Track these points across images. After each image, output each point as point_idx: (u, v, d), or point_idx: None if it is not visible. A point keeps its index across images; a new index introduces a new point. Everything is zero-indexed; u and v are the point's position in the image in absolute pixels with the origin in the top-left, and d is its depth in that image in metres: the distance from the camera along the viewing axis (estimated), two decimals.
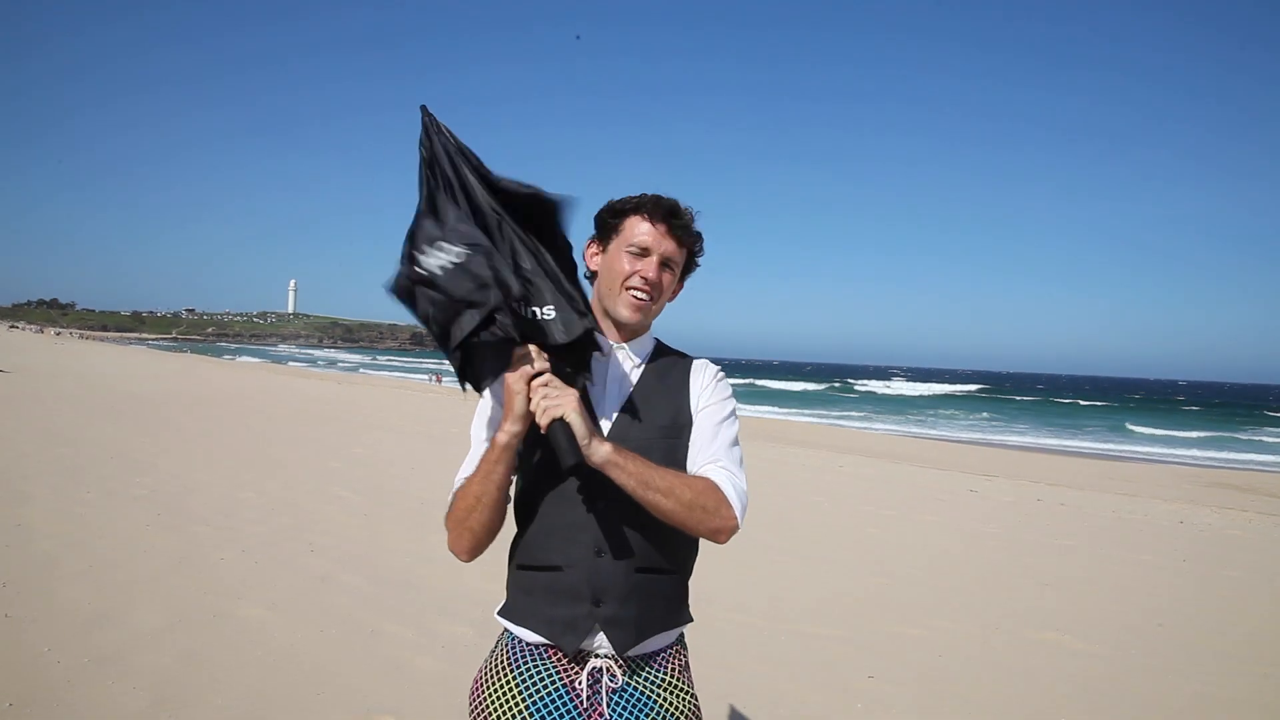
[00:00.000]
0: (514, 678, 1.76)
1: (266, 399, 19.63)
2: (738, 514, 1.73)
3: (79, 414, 13.74)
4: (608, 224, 1.85)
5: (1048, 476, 17.14)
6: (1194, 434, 38.62)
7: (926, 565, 7.70)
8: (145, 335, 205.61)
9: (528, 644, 1.79)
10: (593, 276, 1.90)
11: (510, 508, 1.80)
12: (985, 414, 46.56)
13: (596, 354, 1.78)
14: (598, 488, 1.72)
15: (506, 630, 1.84)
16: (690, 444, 1.82)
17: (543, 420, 1.63)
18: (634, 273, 1.80)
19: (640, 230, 1.81)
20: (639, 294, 1.80)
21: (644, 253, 1.80)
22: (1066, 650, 5.49)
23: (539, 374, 1.66)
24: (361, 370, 68.24)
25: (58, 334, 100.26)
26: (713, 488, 1.72)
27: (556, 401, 1.62)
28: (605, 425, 1.79)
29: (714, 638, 4.97)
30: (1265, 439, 37.20)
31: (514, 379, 1.65)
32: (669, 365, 1.89)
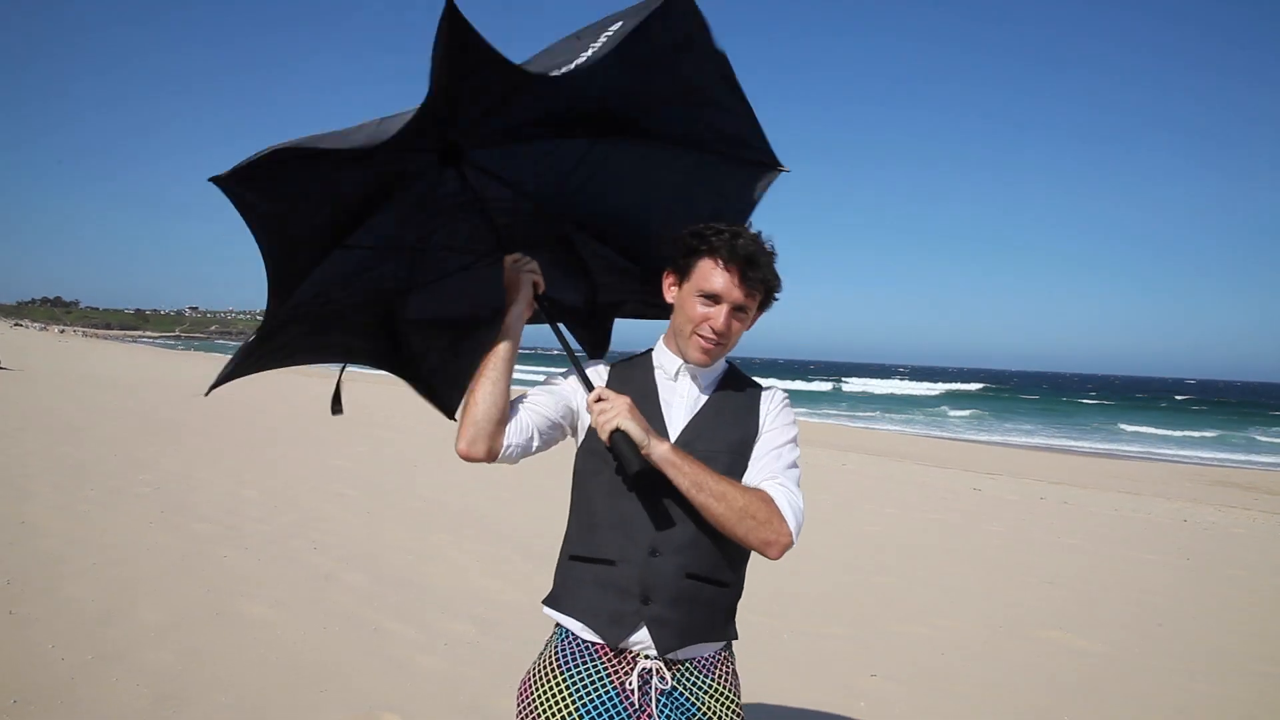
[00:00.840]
0: (565, 678, 1.77)
1: (269, 397, 19.65)
2: (792, 529, 1.74)
3: (82, 412, 13.76)
4: (681, 256, 1.84)
5: (1051, 475, 17.12)
6: (1198, 433, 38.56)
7: (929, 563, 7.70)
8: (148, 333, 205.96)
9: (580, 642, 1.80)
10: (668, 307, 1.92)
11: (569, 499, 1.88)
12: (988, 412, 46.52)
13: (665, 374, 1.89)
14: (660, 488, 1.74)
15: (557, 627, 1.87)
16: (754, 459, 1.84)
17: (604, 434, 1.70)
18: (704, 320, 1.79)
19: (713, 277, 1.78)
20: (706, 341, 1.81)
21: (715, 300, 1.78)
22: (1069, 648, 5.49)
23: (593, 392, 1.77)
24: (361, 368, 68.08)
25: (61, 332, 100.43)
26: (766, 499, 1.74)
27: (612, 414, 1.69)
28: (672, 434, 1.82)
29: None
30: (1267, 439, 37.11)
31: (511, 268, 1.89)
32: (738, 389, 1.91)
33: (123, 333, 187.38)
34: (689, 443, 1.80)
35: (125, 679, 3.87)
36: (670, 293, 1.89)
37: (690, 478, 1.69)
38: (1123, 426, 40.90)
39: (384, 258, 2.13)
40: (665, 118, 2.03)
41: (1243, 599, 7.20)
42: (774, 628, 5.40)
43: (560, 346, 1.96)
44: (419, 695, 4.00)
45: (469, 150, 1.99)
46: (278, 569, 5.79)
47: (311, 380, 26.01)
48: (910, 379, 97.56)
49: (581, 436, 1.89)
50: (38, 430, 11.12)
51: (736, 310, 1.80)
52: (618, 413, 1.69)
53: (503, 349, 1.84)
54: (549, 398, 1.88)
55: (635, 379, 1.90)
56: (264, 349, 1.99)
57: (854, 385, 78.31)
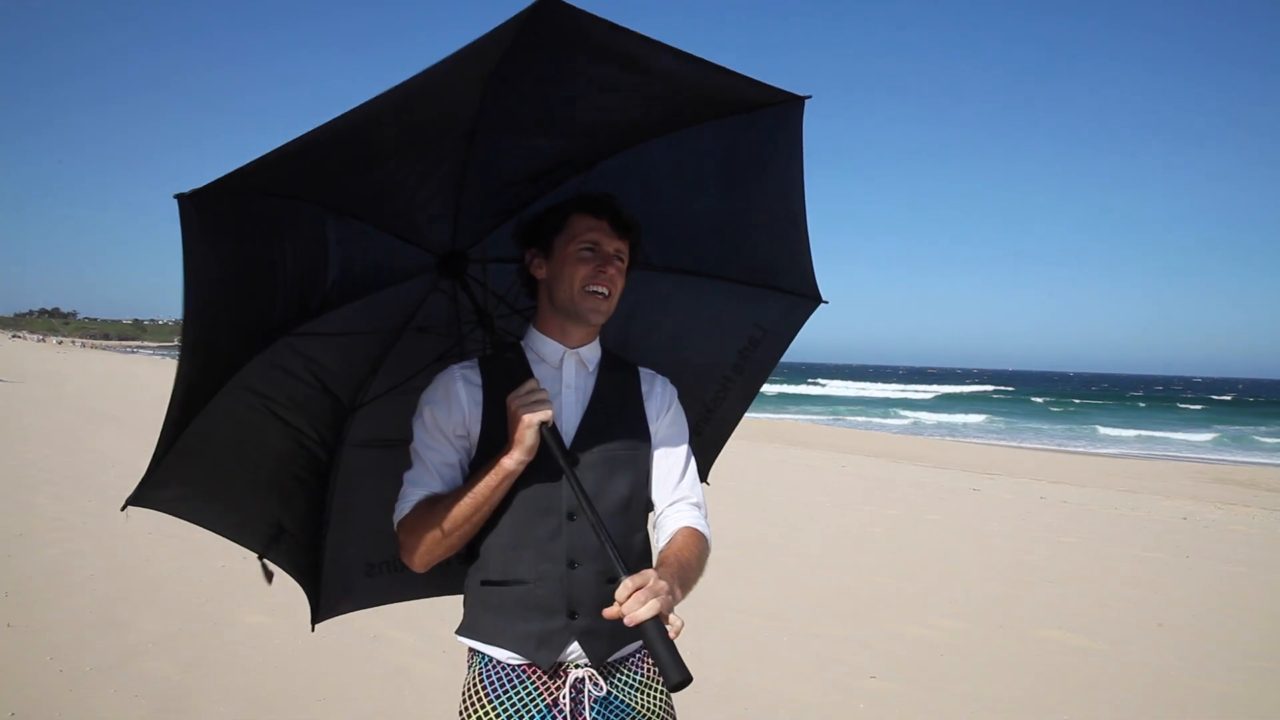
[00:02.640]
0: (494, 707, 1.69)
1: None
2: (711, 544, 1.79)
3: (80, 422, 13.75)
4: (547, 225, 1.77)
5: (1050, 474, 17.13)
6: (1197, 431, 38.57)
7: (928, 564, 7.70)
8: (147, 343, 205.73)
9: (503, 665, 1.72)
10: (532, 287, 1.83)
11: None
12: (987, 415, 46.52)
13: (547, 365, 1.78)
14: (569, 500, 1.69)
15: (474, 654, 1.77)
16: (656, 472, 1.83)
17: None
18: (595, 271, 1.73)
19: (588, 226, 1.74)
20: (600, 295, 1.74)
21: (595, 249, 1.74)
22: (1069, 647, 5.49)
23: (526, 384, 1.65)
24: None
25: (59, 343, 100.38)
26: (700, 539, 1.76)
27: (651, 605, 1.47)
28: (567, 438, 1.74)
29: (714, 638, 4.97)
30: (1266, 437, 37.11)
31: (528, 417, 1.60)
32: (619, 374, 1.86)
33: (121, 343, 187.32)
34: (586, 445, 1.73)
35: (124, 689, 3.86)
36: (540, 269, 1.78)
37: (684, 590, 1.63)
38: (1121, 425, 40.89)
39: (344, 352, 1.89)
40: (706, 230, 1.97)
41: (1243, 596, 7.20)
42: (773, 629, 5.40)
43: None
44: (419, 703, 4.00)
45: (471, 261, 1.88)
46: (276, 578, 5.77)
47: None
48: (904, 381, 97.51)
49: (474, 453, 1.76)
50: (36, 441, 11.12)
51: (615, 257, 1.76)
52: (657, 607, 1.48)
53: (492, 503, 1.67)
54: (442, 447, 1.75)
55: (514, 376, 1.73)
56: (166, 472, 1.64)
57: (850, 389, 78.31)
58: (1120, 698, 4.67)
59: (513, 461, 1.62)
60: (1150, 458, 26.08)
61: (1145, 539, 9.67)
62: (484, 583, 1.75)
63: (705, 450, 2.20)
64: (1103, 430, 38.19)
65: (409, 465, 1.78)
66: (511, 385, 1.68)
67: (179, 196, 1.28)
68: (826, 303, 2.09)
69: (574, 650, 1.70)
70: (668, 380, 1.91)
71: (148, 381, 27.93)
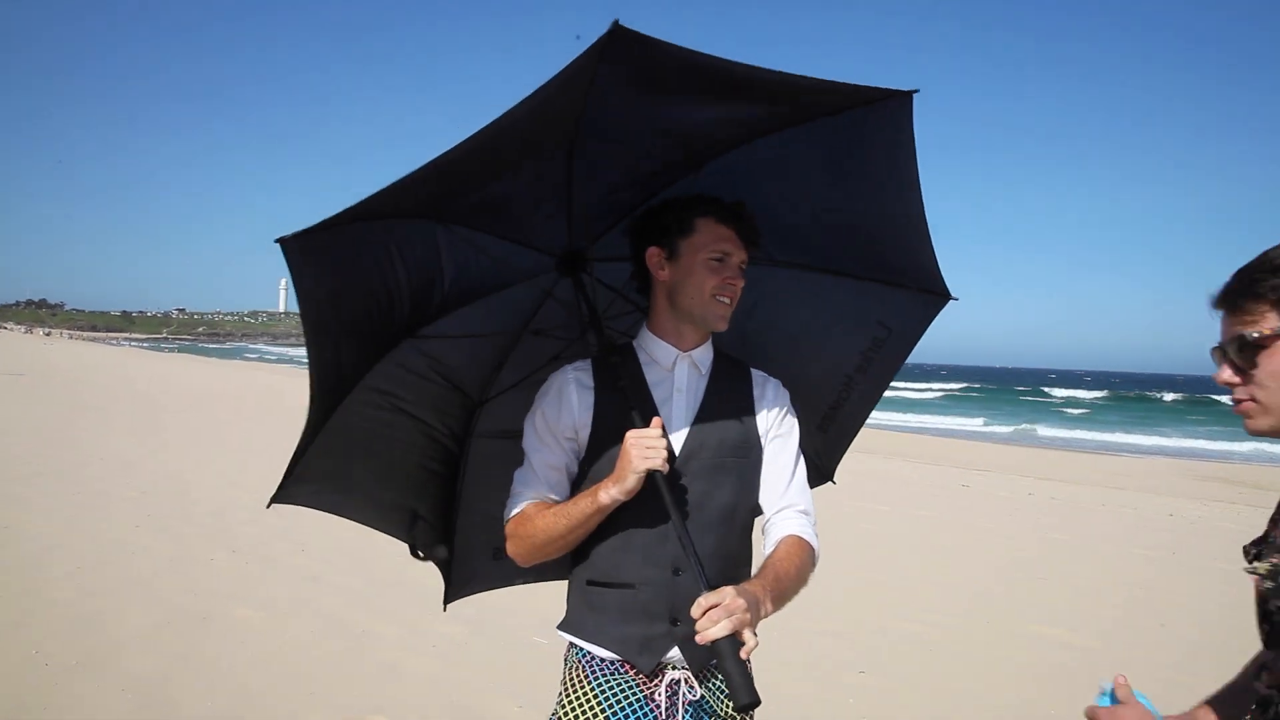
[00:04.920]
0: (594, 690, 1.72)
1: (261, 399, 19.55)
2: (818, 552, 1.80)
3: (69, 415, 13.66)
4: (672, 225, 1.75)
5: (1038, 471, 17.21)
6: (1184, 428, 38.83)
7: (917, 560, 7.73)
8: (135, 335, 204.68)
9: (600, 659, 1.75)
10: (645, 284, 1.83)
11: None
12: (975, 412, 46.69)
13: (659, 368, 1.78)
14: (676, 506, 1.68)
15: (574, 646, 1.80)
16: (765, 478, 1.82)
17: (704, 640, 1.53)
18: (723, 280, 1.72)
19: (719, 235, 1.73)
20: (727, 304, 1.74)
21: (725, 258, 1.73)
22: (1058, 643, 5.51)
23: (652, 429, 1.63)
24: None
25: (47, 334, 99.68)
26: (804, 548, 1.76)
27: (723, 625, 1.50)
28: (676, 443, 1.73)
29: None
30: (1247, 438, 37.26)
31: (639, 463, 1.60)
32: (731, 377, 1.84)
33: (109, 335, 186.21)
34: (694, 453, 1.73)
35: (110, 684, 3.84)
36: (663, 270, 1.77)
37: (779, 604, 1.67)
38: (1110, 422, 41.15)
39: (467, 351, 2.00)
40: (829, 231, 1.95)
41: (1230, 592, 7.25)
42: (763, 625, 5.38)
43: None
44: (408, 697, 3.98)
45: (590, 259, 1.91)
46: (266, 571, 5.76)
47: (303, 381, 25.92)
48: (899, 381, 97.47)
49: (583, 454, 1.80)
50: (23, 433, 11.04)
51: (740, 267, 1.76)
52: (734, 620, 1.51)
53: (587, 529, 1.70)
54: (550, 449, 1.80)
55: (623, 379, 1.77)
56: (319, 467, 1.84)
57: None
58: None
59: (608, 497, 1.64)
60: (1137, 454, 26.24)
61: (1132, 535, 9.74)
62: (589, 582, 1.78)
63: (829, 452, 2.20)
64: (1094, 426, 38.40)
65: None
66: (621, 389, 1.72)
67: (281, 241, 1.42)
68: (956, 299, 2.02)
69: (674, 654, 1.72)
70: (780, 384, 1.88)
71: (136, 374, 27.75)
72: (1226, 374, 1.33)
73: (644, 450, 1.59)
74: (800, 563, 1.73)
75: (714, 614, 1.49)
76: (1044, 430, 35.84)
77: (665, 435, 1.64)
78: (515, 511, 1.78)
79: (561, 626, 1.83)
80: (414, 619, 5.02)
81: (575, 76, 1.38)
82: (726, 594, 1.52)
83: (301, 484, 1.82)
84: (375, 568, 6.01)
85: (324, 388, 1.68)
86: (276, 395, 21.04)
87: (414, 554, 2.06)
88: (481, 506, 2.08)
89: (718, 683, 1.75)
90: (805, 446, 1.95)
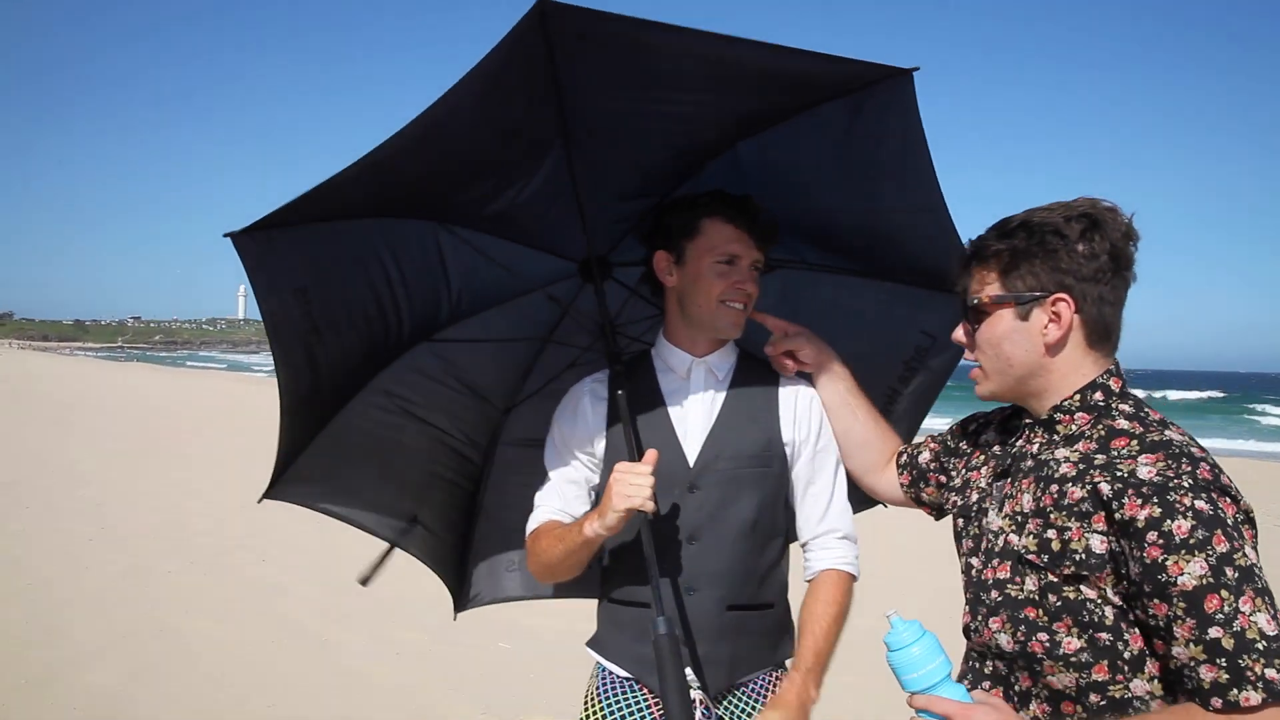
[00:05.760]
0: (605, 707, 1.69)
1: (215, 407, 19.20)
2: (857, 575, 1.72)
3: (18, 425, 13.30)
4: (677, 227, 1.67)
5: None
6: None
7: (905, 560, 7.78)
8: (89, 344, 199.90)
9: (618, 677, 1.72)
10: (659, 289, 1.75)
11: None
12: (947, 410, 47.06)
13: (674, 375, 1.71)
14: (690, 523, 1.65)
15: (598, 662, 1.78)
16: (801, 498, 1.72)
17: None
18: (731, 285, 1.63)
19: (726, 236, 1.63)
20: (738, 309, 1.65)
21: (733, 261, 1.63)
22: None
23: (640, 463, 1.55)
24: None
25: None
26: (842, 588, 1.67)
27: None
28: (691, 453, 1.66)
29: None
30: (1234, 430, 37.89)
31: (619, 501, 1.49)
32: (755, 382, 1.73)
33: (61, 344, 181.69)
34: (709, 464, 1.65)
35: (61, 702, 3.73)
36: (669, 275, 1.69)
37: (826, 667, 1.63)
38: None
39: (488, 357, 1.97)
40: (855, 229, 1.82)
41: None
42: None
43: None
44: (371, 706, 3.93)
45: (614, 265, 1.88)
46: (225, 582, 5.65)
47: (261, 389, 25.49)
48: None
49: (601, 466, 1.74)
50: None
51: (753, 268, 1.66)
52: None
53: (580, 558, 1.64)
54: (568, 464, 1.76)
55: (639, 390, 1.70)
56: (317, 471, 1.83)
57: None
58: None
59: (591, 530, 1.56)
60: None
61: None
62: (610, 600, 1.75)
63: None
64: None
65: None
66: (632, 402, 1.65)
67: (231, 235, 1.42)
68: None
69: (688, 676, 1.62)
70: (815, 393, 1.75)
71: (90, 384, 27.12)
72: (958, 333, 1.35)
73: (626, 488, 1.49)
74: (839, 610, 1.65)
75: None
76: None
77: (653, 473, 1.52)
78: (531, 528, 1.75)
79: (589, 643, 1.80)
80: (376, 627, 4.95)
81: (516, 54, 1.32)
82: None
83: (296, 483, 1.81)
84: (336, 576, 5.92)
85: (295, 385, 1.64)
86: (235, 403, 20.67)
87: (362, 580, 2.04)
88: (502, 516, 2.05)
89: (737, 702, 1.69)
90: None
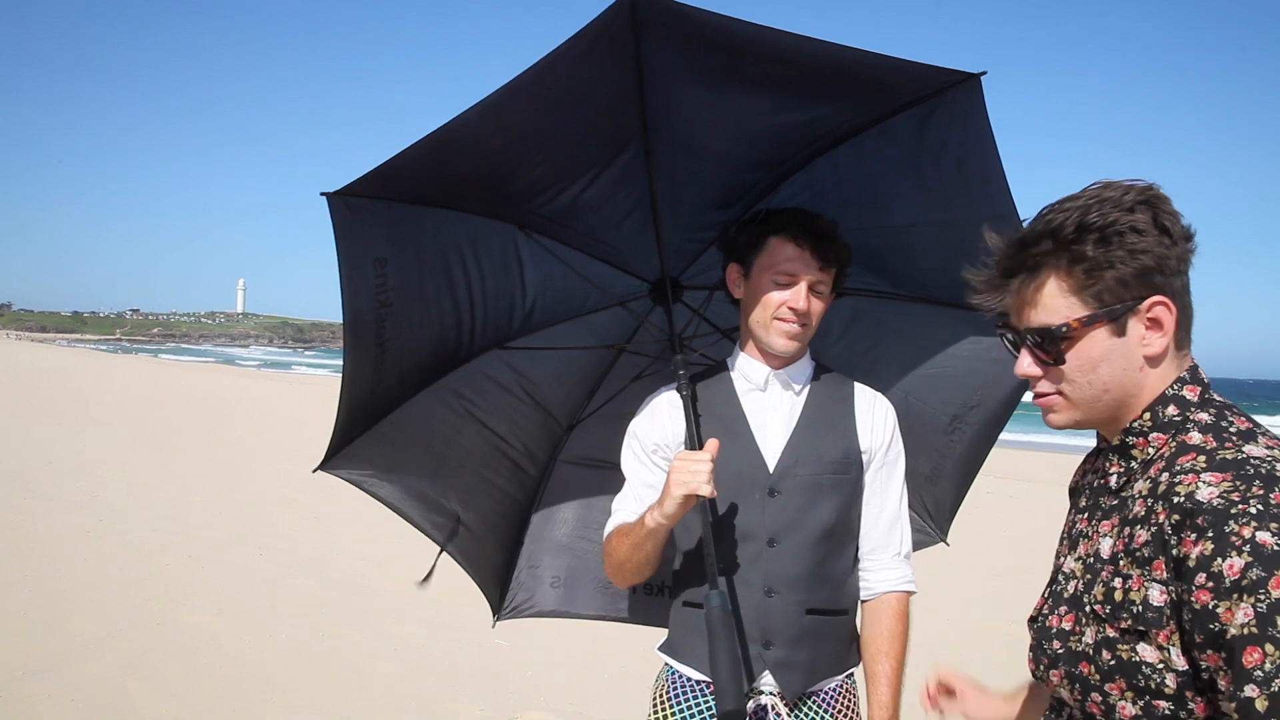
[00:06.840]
0: (675, 711, 1.69)
1: (215, 400, 19.19)
2: (915, 590, 1.77)
3: (16, 417, 13.29)
4: (745, 244, 1.71)
5: (997, 470, 17.44)
6: None
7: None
8: (87, 336, 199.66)
9: (689, 679, 1.72)
10: (734, 300, 1.79)
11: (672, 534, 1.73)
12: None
13: (751, 385, 1.73)
14: (770, 526, 1.66)
15: (666, 664, 1.78)
16: (866, 509, 1.75)
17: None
18: (782, 302, 1.66)
19: (787, 255, 1.65)
20: (789, 324, 1.67)
21: (792, 279, 1.65)
22: (1014, 638, 5.60)
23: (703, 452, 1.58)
24: (294, 368, 66.93)
25: None
26: (903, 613, 1.73)
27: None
28: (770, 461, 1.69)
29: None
30: None
31: (676, 489, 1.53)
32: (832, 392, 1.77)
33: (59, 335, 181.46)
34: (789, 469, 1.68)
35: (59, 693, 3.74)
36: (738, 287, 1.73)
37: (898, 695, 1.67)
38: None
39: (556, 371, 2.00)
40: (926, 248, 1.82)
41: None
42: None
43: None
44: (368, 701, 3.94)
45: (685, 288, 1.92)
46: (223, 576, 5.66)
47: (260, 383, 25.46)
48: None
49: None
50: None
51: (814, 289, 1.67)
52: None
53: (646, 551, 1.67)
54: (647, 470, 1.78)
55: (716, 400, 1.74)
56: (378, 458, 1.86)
57: None
58: None
59: (652, 520, 1.60)
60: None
61: None
62: (685, 603, 1.75)
63: (939, 505, 2.12)
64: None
65: (616, 487, 1.81)
66: (709, 413, 1.70)
67: (326, 194, 1.45)
68: None
69: (766, 679, 1.67)
70: (890, 405, 1.80)
71: (88, 375, 27.08)
72: (1026, 366, 1.13)
73: (684, 474, 1.52)
74: (901, 632, 1.71)
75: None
76: None
77: (714, 460, 1.55)
78: (608, 531, 1.77)
79: (660, 648, 1.81)
80: (375, 622, 4.96)
81: (601, 43, 1.34)
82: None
83: (351, 461, 1.84)
84: (334, 571, 5.93)
85: (360, 355, 1.64)
86: (234, 395, 20.66)
87: (424, 579, 2.05)
88: (552, 532, 2.09)
89: (811, 711, 1.70)
90: (913, 501, 1.89)
